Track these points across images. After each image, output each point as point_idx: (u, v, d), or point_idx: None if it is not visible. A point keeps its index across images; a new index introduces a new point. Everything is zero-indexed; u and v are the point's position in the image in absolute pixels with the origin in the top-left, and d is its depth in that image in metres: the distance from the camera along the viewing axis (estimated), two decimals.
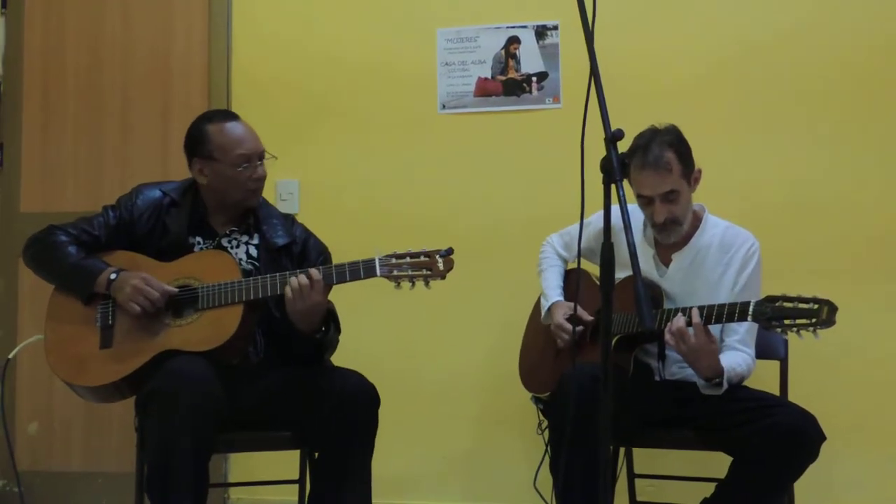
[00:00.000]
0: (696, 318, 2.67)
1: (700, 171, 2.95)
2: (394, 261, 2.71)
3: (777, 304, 2.55)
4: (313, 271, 2.69)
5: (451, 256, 2.70)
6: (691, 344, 2.67)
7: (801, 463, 2.69)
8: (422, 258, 2.71)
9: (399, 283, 2.71)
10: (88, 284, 2.80)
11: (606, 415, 1.97)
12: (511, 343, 3.38)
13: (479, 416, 3.80)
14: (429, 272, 2.69)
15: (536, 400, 3.14)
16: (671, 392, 2.92)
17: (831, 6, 3.64)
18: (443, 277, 2.71)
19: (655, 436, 2.97)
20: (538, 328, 3.25)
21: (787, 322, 2.53)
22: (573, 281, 3.22)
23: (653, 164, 2.83)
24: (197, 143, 2.91)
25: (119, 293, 2.75)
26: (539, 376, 3.16)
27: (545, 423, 3.04)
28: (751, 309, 2.61)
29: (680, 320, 2.68)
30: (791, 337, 2.56)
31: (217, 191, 2.92)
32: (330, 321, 2.85)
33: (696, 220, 3.01)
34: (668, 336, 2.70)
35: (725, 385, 2.76)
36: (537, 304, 3.32)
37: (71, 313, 2.84)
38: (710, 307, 2.71)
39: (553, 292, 3.20)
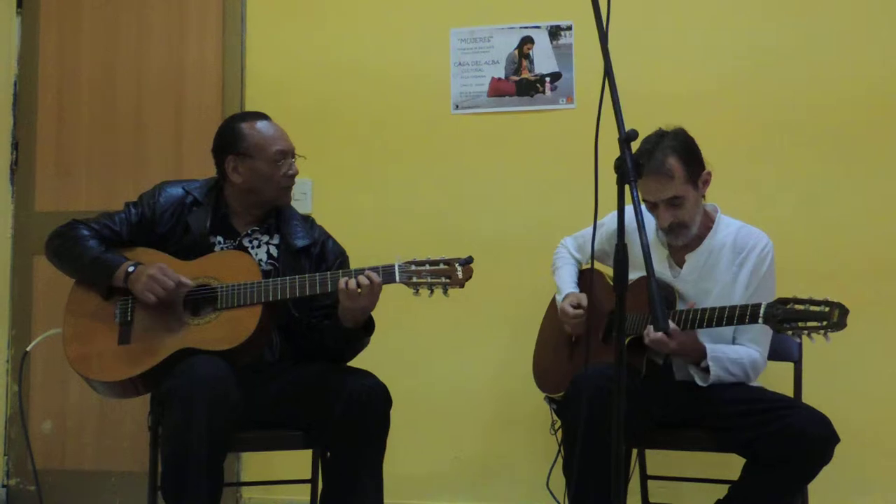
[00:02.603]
0: (672, 327, 2.74)
1: (710, 174, 2.94)
2: (413, 268, 2.71)
3: (788, 307, 2.56)
4: (373, 275, 2.69)
5: (471, 265, 2.71)
6: (673, 347, 2.76)
7: (815, 465, 2.68)
8: (441, 266, 2.71)
9: (418, 291, 2.71)
10: (107, 277, 2.81)
11: (619, 415, 1.97)
12: (524, 344, 3.38)
13: (491, 416, 3.80)
14: (447, 280, 2.70)
15: (550, 400, 3.14)
16: (684, 393, 2.91)
17: (848, 18, 3.62)
18: (461, 286, 2.71)
19: (668, 437, 2.96)
20: (553, 328, 3.24)
21: (797, 325, 2.52)
22: (587, 281, 3.22)
23: (655, 171, 2.83)
24: (231, 141, 2.92)
25: (136, 283, 2.76)
26: (553, 376, 3.16)
27: (558, 424, 3.04)
28: (762, 311, 2.61)
29: (652, 332, 2.73)
30: (803, 339, 2.56)
31: (251, 189, 2.92)
32: (370, 321, 2.87)
33: (709, 221, 3.00)
34: (648, 342, 2.76)
35: (712, 366, 2.80)
36: (552, 304, 3.31)
37: (90, 308, 2.85)
38: (722, 309, 2.71)
39: (567, 287, 3.19)
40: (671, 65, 3.72)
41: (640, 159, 2.81)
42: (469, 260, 2.72)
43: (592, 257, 2.66)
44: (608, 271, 3.13)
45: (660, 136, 2.89)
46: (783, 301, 2.57)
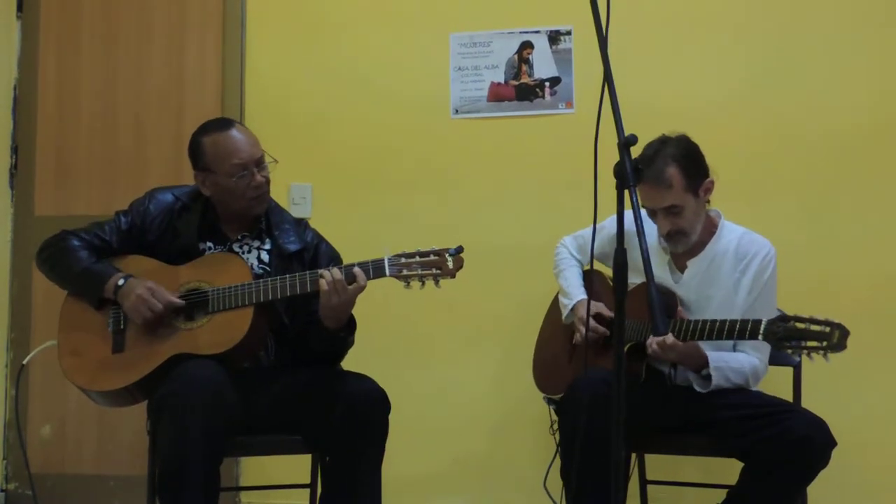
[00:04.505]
0: (669, 340, 2.74)
1: (712, 182, 2.92)
2: (403, 260, 2.69)
3: (789, 324, 2.50)
4: (336, 272, 2.67)
5: (461, 255, 2.68)
6: (674, 358, 2.80)
7: (812, 469, 2.69)
8: (431, 257, 2.69)
9: (409, 283, 2.69)
10: (97, 289, 2.81)
11: (619, 420, 1.97)
12: (523, 345, 3.38)
13: (490, 418, 3.80)
14: (438, 271, 2.67)
15: (549, 400, 3.13)
16: (683, 398, 2.91)
17: (853, 30, 3.63)
18: (453, 276, 2.68)
19: (668, 442, 2.96)
20: (554, 329, 3.24)
21: (797, 343, 2.48)
22: (588, 284, 3.21)
23: (653, 179, 2.82)
24: (195, 156, 2.91)
25: (125, 300, 2.75)
26: (553, 377, 3.15)
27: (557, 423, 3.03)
28: (762, 328, 2.57)
29: (654, 345, 2.76)
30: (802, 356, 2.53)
31: (221, 201, 2.92)
32: (352, 321, 2.85)
33: (712, 227, 3.00)
34: (651, 353, 2.79)
35: (714, 375, 2.80)
36: (553, 305, 3.31)
37: (84, 318, 2.85)
38: (723, 322, 2.68)
39: (576, 291, 3.17)
40: (671, 70, 3.73)
41: (640, 165, 2.79)
42: (459, 249, 2.69)
43: (592, 262, 2.65)
44: (609, 273, 3.13)
45: (662, 143, 2.88)
46: (784, 318, 2.52)
